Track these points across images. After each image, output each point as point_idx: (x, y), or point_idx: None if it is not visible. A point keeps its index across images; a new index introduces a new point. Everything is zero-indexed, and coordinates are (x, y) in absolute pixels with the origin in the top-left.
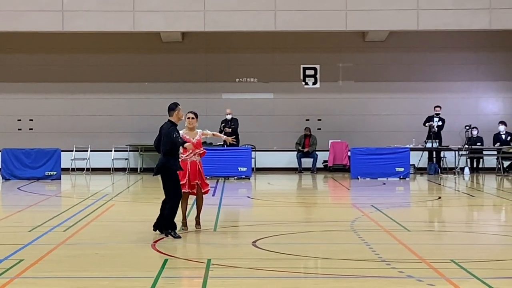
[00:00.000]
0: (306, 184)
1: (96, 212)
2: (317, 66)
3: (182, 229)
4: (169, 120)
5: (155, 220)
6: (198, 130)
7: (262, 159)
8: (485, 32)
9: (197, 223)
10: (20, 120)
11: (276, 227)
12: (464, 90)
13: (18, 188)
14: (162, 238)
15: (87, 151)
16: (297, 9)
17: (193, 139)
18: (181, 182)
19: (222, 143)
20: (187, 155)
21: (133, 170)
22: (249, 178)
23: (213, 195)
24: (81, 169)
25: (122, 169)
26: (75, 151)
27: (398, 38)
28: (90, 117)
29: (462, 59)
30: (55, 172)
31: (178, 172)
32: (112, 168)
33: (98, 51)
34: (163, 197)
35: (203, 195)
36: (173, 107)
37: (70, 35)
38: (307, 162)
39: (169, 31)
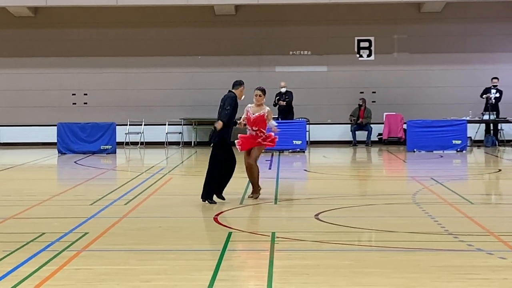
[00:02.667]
0: (362, 157)
1: (154, 186)
2: (372, 38)
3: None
4: (229, 91)
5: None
6: (266, 107)
7: (316, 132)
8: None
9: (255, 191)
10: (74, 94)
11: (336, 200)
12: None
13: (75, 162)
14: (224, 211)
15: (141, 125)
16: None
17: (253, 114)
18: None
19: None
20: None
21: (186, 144)
22: (303, 151)
23: (269, 169)
24: (135, 143)
25: (176, 143)
26: (129, 125)
27: (454, 8)
28: (143, 91)
29: None
30: (111, 146)
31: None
32: (166, 142)
33: (152, 25)
34: None
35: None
36: (237, 83)
37: (124, 9)
38: (361, 135)
39: (223, 4)
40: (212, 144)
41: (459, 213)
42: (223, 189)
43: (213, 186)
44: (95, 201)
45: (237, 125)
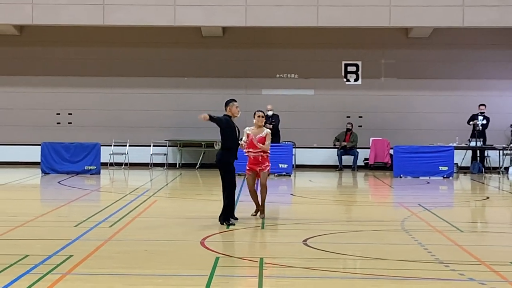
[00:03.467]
0: (348, 182)
1: (139, 208)
2: (359, 63)
3: (252, 215)
4: (225, 115)
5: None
6: (265, 129)
7: (301, 156)
8: None
9: (261, 211)
10: (59, 114)
11: (324, 225)
12: (509, 88)
13: (59, 182)
14: (210, 235)
15: (125, 145)
16: (340, 4)
17: (255, 136)
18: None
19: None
20: (248, 151)
21: (171, 166)
22: (289, 175)
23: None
24: (120, 164)
25: (161, 165)
26: (114, 145)
27: (442, 34)
28: (129, 112)
29: (507, 56)
30: (95, 167)
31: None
32: (151, 163)
33: (138, 45)
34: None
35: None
36: (227, 102)
37: (110, 28)
38: (347, 159)
39: (210, 25)
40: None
41: (449, 241)
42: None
43: (227, 207)
44: (80, 222)
45: (240, 147)
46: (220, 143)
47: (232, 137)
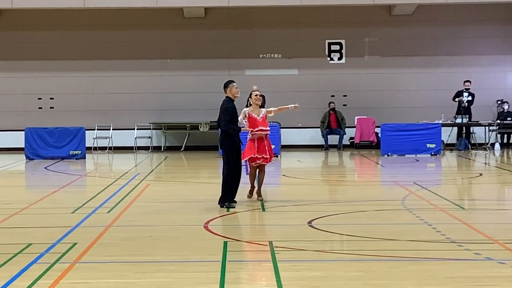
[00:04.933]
0: (337, 161)
1: (133, 193)
2: (343, 41)
3: (248, 196)
4: (226, 97)
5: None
6: (262, 110)
7: (286, 136)
8: None
9: (259, 195)
10: (40, 98)
11: (326, 206)
12: (492, 64)
13: (45, 168)
14: (212, 219)
15: (109, 129)
16: None
17: (258, 116)
18: (248, 157)
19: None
20: (253, 133)
21: (156, 149)
22: (277, 156)
23: (246, 174)
24: (104, 148)
25: (145, 148)
26: (97, 129)
27: (425, 11)
28: (111, 95)
29: (490, 32)
30: (80, 152)
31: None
32: (135, 146)
33: (120, 28)
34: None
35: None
36: (226, 84)
37: (91, 11)
38: (333, 138)
39: (192, 6)
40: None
41: (455, 219)
42: (234, 194)
43: (226, 190)
44: (76, 209)
45: (243, 129)
46: (207, 125)
47: (236, 120)
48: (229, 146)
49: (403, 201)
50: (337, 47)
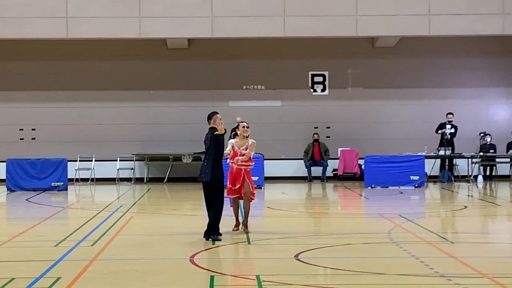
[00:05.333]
0: (321, 193)
1: (117, 225)
2: (326, 73)
3: (233, 230)
4: (211, 128)
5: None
6: (250, 140)
7: (270, 167)
8: (497, 37)
9: (245, 226)
10: (22, 129)
11: (312, 239)
12: (476, 97)
13: (27, 200)
14: (198, 252)
15: (91, 160)
16: (307, 14)
17: (239, 148)
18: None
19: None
20: (232, 162)
21: (138, 180)
22: (261, 188)
23: (231, 206)
24: (86, 179)
25: (128, 179)
26: (79, 160)
27: (408, 43)
28: (94, 126)
29: (473, 64)
30: (62, 183)
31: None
32: (118, 178)
33: (103, 58)
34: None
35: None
36: (210, 116)
37: (74, 42)
38: (316, 170)
39: (176, 37)
40: (204, 181)
41: (442, 253)
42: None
43: (218, 222)
44: (59, 242)
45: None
46: (191, 156)
47: (222, 151)
48: (221, 177)
49: (390, 233)
50: (320, 79)
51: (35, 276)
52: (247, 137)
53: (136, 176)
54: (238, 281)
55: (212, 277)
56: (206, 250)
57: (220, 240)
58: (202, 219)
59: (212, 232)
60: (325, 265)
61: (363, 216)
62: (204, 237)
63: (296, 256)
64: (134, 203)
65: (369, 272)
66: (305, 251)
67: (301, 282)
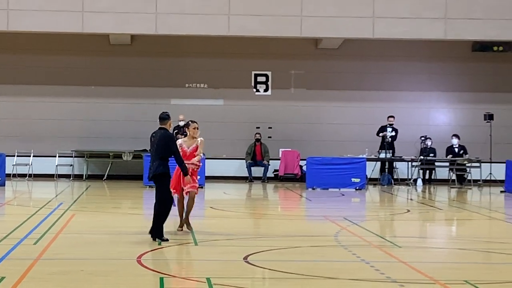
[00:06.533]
0: (263, 194)
1: (59, 223)
2: (269, 73)
3: (178, 230)
4: (161, 128)
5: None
6: (198, 139)
7: (211, 167)
8: (439, 42)
9: (188, 224)
10: None
11: (259, 241)
12: (417, 100)
13: None
14: (144, 253)
15: (29, 156)
16: (251, 13)
17: (188, 148)
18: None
19: None
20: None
21: (77, 177)
22: (202, 187)
23: (174, 206)
24: (23, 175)
25: (66, 176)
26: (17, 156)
27: (352, 46)
28: (33, 121)
29: (415, 68)
30: (0, 178)
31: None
32: (56, 174)
33: (44, 52)
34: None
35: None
36: (166, 117)
37: (15, 34)
38: (257, 170)
39: (120, 33)
40: (154, 178)
41: (391, 257)
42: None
43: (162, 222)
44: (0, 239)
45: None
46: (131, 154)
47: (168, 151)
48: (165, 171)
49: (336, 236)
50: (263, 79)
51: None
52: (195, 137)
53: (75, 173)
54: (188, 284)
55: (161, 279)
56: (152, 250)
57: (167, 240)
58: (144, 218)
59: (158, 235)
60: (275, 268)
61: (308, 218)
62: (150, 235)
63: (245, 258)
64: (75, 201)
65: (320, 276)
66: (253, 253)
67: (252, 286)
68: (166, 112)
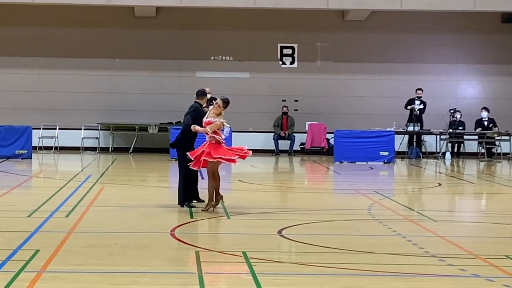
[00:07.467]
0: (290, 167)
1: (89, 196)
2: (295, 45)
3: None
4: (196, 102)
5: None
6: (218, 120)
7: (237, 140)
8: (467, 14)
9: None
10: None
11: (293, 215)
12: (445, 73)
13: None
14: (178, 226)
15: (55, 129)
16: None
17: (206, 118)
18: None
19: None
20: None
21: (103, 150)
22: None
23: (202, 178)
24: (49, 148)
25: (92, 149)
26: (43, 129)
27: (379, 18)
28: (59, 94)
29: (444, 40)
30: (26, 151)
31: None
32: (82, 147)
33: (69, 25)
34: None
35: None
36: (200, 93)
37: (40, 7)
38: (283, 144)
39: (145, 5)
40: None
41: (428, 231)
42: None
43: (189, 189)
44: (32, 212)
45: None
46: (157, 126)
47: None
48: (185, 145)
49: (370, 210)
50: (289, 51)
51: (12, 248)
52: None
53: (100, 146)
54: (224, 257)
55: (197, 253)
56: (185, 224)
57: (195, 206)
58: (171, 191)
59: (185, 199)
60: (311, 242)
61: (339, 192)
62: (178, 203)
63: (279, 232)
64: (102, 174)
65: (357, 250)
66: (287, 227)
67: (290, 260)
68: (202, 89)
